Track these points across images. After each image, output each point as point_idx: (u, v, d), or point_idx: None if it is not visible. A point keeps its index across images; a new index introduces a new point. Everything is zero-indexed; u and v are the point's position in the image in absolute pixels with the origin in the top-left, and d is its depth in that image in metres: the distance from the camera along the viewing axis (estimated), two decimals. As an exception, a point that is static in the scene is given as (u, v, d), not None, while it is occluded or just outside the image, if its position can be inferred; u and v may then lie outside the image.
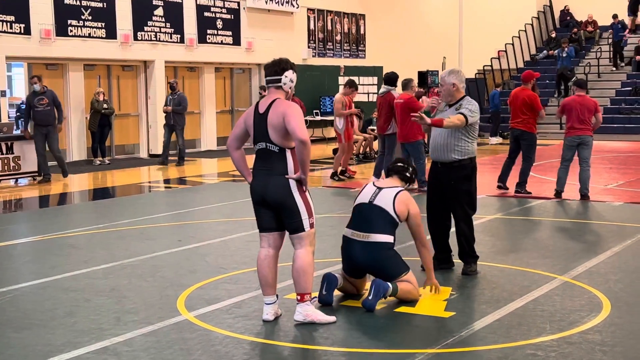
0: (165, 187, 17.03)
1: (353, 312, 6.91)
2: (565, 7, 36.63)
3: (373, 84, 29.36)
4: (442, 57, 29.56)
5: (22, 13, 19.55)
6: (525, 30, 34.54)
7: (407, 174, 7.65)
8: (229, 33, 25.17)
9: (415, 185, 13.44)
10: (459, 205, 8.29)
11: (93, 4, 21.06)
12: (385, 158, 15.28)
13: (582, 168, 13.33)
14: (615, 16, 32.75)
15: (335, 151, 18.83)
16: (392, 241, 7.20)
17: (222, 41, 24.93)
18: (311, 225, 6.51)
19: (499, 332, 6.34)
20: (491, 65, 31.57)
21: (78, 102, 21.39)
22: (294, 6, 27.07)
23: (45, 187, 16.48)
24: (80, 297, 7.59)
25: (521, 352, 5.85)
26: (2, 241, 10.57)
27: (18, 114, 24.89)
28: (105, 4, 21.39)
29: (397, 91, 15.44)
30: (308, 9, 28.18)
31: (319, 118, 27.07)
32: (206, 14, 24.38)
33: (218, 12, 24.78)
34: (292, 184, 6.45)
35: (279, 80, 6.57)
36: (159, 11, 22.86)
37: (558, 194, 13.49)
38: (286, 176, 6.45)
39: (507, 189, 14.08)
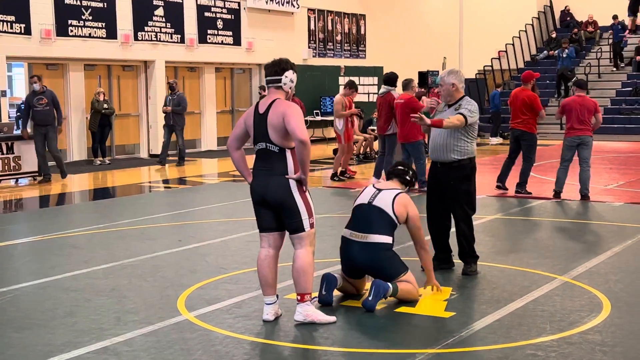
0: (166, 187, 17.04)
1: (353, 312, 6.92)
2: (565, 7, 36.64)
3: (373, 84, 29.36)
4: (443, 57, 29.57)
5: (23, 13, 19.56)
6: (526, 31, 34.55)
7: (407, 177, 7.67)
8: (230, 33, 25.18)
9: (416, 186, 13.43)
10: (459, 205, 8.30)
11: (93, 4, 21.07)
12: (385, 158, 15.29)
13: (582, 168, 13.33)
14: (615, 17, 32.76)
15: (335, 152, 18.83)
16: (391, 242, 7.20)
17: (222, 41, 24.93)
18: (311, 226, 6.52)
19: (499, 332, 6.35)
20: (491, 66, 31.57)
21: (78, 102, 21.40)
22: (294, 6, 27.08)
23: (46, 187, 16.49)
24: (80, 297, 7.59)
25: (521, 353, 5.85)
26: (3, 241, 10.57)
27: (18, 114, 24.88)
28: (105, 4, 21.40)
29: (397, 91, 15.44)
30: (308, 9, 28.19)
31: (319, 118, 27.07)
32: (206, 14, 24.39)
33: (218, 12, 24.79)
34: (292, 184, 6.46)
35: (279, 81, 6.57)
36: (160, 11, 22.87)
37: (557, 194, 13.49)
38: (286, 176, 6.45)
39: (507, 189, 14.08)
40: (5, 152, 16.79)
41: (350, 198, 13.62)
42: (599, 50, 32.30)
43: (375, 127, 18.97)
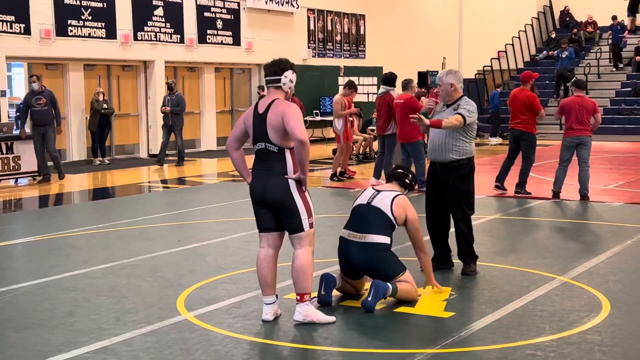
0: (165, 187, 17.04)
1: (352, 312, 6.92)
2: (565, 7, 36.63)
3: (373, 84, 29.35)
4: (442, 57, 29.57)
5: (22, 13, 19.55)
6: (525, 31, 34.54)
7: (407, 181, 7.69)
8: (229, 33, 25.17)
9: (415, 188, 13.44)
10: (458, 205, 8.30)
11: (93, 4, 21.07)
12: (385, 158, 15.30)
13: (581, 168, 13.34)
14: (614, 17, 32.74)
15: (334, 152, 18.84)
16: (389, 242, 7.20)
17: (222, 41, 24.93)
18: (310, 225, 6.52)
19: (499, 332, 6.35)
20: (491, 66, 31.56)
21: (78, 102, 21.39)
22: (294, 6, 27.08)
23: (45, 187, 16.48)
24: (79, 297, 7.59)
25: (520, 353, 5.85)
26: (2, 241, 10.57)
27: (18, 114, 24.88)
28: (105, 4, 21.39)
29: (397, 91, 15.45)
30: (308, 9, 28.19)
31: (318, 118, 27.06)
32: (206, 14, 24.39)
33: (218, 13, 24.79)
34: (292, 184, 6.46)
35: (279, 81, 6.57)
36: (159, 11, 22.87)
37: (555, 194, 13.50)
38: (285, 176, 6.45)
39: (505, 189, 14.08)
40: (4, 152, 16.78)
41: (350, 198, 13.63)
42: (599, 50, 32.28)
43: (374, 127, 18.97)
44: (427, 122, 8.11)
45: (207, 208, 13.38)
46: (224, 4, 24.96)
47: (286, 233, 6.63)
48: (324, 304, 7.00)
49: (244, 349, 6.04)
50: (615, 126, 27.34)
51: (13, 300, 7.53)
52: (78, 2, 20.73)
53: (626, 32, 32.92)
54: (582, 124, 13.25)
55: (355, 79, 22.08)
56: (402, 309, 6.97)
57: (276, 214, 6.57)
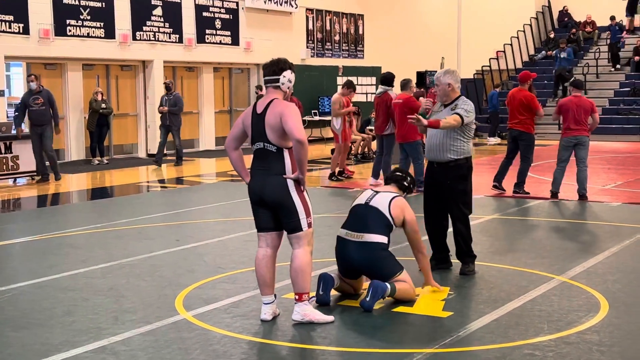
0: (163, 187, 17.04)
1: (350, 312, 6.92)
2: (564, 7, 36.64)
3: (372, 84, 29.36)
4: (441, 57, 29.57)
5: (21, 13, 19.55)
6: (524, 31, 34.54)
7: (405, 183, 7.70)
8: (228, 33, 25.17)
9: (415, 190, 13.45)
10: (455, 205, 8.30)
11: (92, 3, 21.06)
12: (383, 158, 15.31)
13: (579, 168, 13.35)
14: (612, 18, 32.75)
15: (333, 152, 18.84)
16: (387, 242, 7.20)
17: (220, 41, 24.93)
18: (309, 225, 6.52)
19: (497, 332, 6.35)
20: (489, 66, 31.57)
21: (76, 101, 21.39)
22: (292, 6, 27.08)
23: (43, 187, 16.48)
24: (78, 296, 7.59)
25: (519, 352, 5.85)
26: (1, 240, 10.57)
27: (16, 113, 24.88)
28: (104, 3, 21.39)
29: (395, 91, 15.46)
30: (307, 9, 28.19)
31: (317, 118, 27.06)
32: (205, 14, 24.39)
33: (217, 12, 24.79)
34: (290, 184, 6.46)
35: (277, 80, 6.58)
36: (158, 11, 22.87)
37: (554, 194, 13.51)
38: (284, 176, 6.46)
39: (504, 190, 14.07)
40: (3, 151, 16.78)
41: (348, 198, 13.63)
42: (597, 50, 32.29)
43: (373, 127, 18.98)
44: (425, 122, 8.12)
45: (205, 208, 13.38)
46: (222, 4, 24.96)
47: (285, 233, 6.63)
48: (322, 304, 7.01)
49: (243, 348, 6.04)
50: (613, 126, 27.36)
51: (11, 299, 7.53)
52: (77, 2, 20.73)
53: (624, 32, 32.91)
54: (580, 124, 13.26)
55: (354, 79, 22.08)
56: (401, 309, 6.97)
57: (275, 214, 6.57)
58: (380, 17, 30.95)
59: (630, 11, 33.61)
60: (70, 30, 20.62)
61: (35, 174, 17.21)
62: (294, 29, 27.61)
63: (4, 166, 16.81)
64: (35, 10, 19.80)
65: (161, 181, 18.06)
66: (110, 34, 21.60)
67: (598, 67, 31.31)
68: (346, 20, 29.98)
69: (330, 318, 6.59)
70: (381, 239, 7.15)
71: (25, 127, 17.60)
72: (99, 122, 20.53)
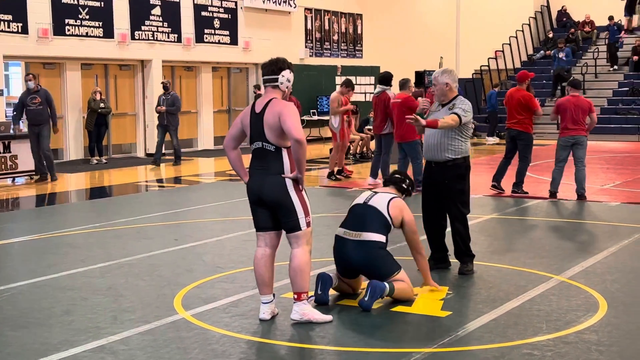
0: (161, 187, 17.03)
1: (349, 312, 6.92)
2: (562, 7, 36.62)
3: (370, 84, 29.36)
4: (439, 57, 29.55)
5: (20, 12, 19.54)
6: (523, 31, 34.51)
7: (404, 186, 7.71)
8: (227, 32, 25.18)
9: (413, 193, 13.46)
10: (454, 205, 8.30)
11: (90, 3, 21.06)
12: (382, 158, 15.32)
13: (577, 168, 13.36)
14: (611, 18, 32.75)
15: (332, 151, 18.84)
16: (384, 241, 7.20)
17: (219, 41, 24.94)
18: (308, 224, 6.52)
19: (495, 331, 6.35)
20: (488, 65, 31.57)
21: (75, 101, 21.38)
22: (291, 6, 27.08)
23: (42, 186, 16.47)
24: (77, 295, 7.59)
25: (517, 352, 5.86)
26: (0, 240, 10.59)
27: (14, 113, 24.87)
28: (102, 3, 21.39)
29: (393, 91, 15.47)
30: (305, 9, 28.19)
31: (315, 118, 27.07)
32: (203, 13, 24.39)
33: (215, 12, 24.79)
34: (289, 183, 6.46)
35: (276, 80, 6.57)
36: (157, 10, 22.87)
37: (552, 194, 13.51)
38: (282, 175, 6.46)
39: (503, 190, 14.07)
40: (2, 151, 16.77)
41: (347, 198, 13.65)
42: (596, 50, 32.29)
43: (371, 127, 18.98)
44: (423, 122, 8.11)
45: (204, 207, 13.38)
46: (221, 4, 24.96)
47: (283, 232, 6.63)
48: (321, 304, 7.01)
49: (241, 347, 6.04)
50: (612, 126, 27.37)
51: (10, 299, 7.53)
52: (75, 2, 20.73)
53: (622, 32, 32.91)
54: (578, 124, 13.27)
55: (352, 79, 22.03)
56: (399, 308, 6.97)
57: (273, 213, 6.57)
58: (379, 17, 30.96)
59: (629, 11, 33.60)
60: (69, 30, 20.61)
61: (33, 173, 17.20)
62: (293, 28, 27.61)
63: (3, 165, 16.80)
64: (34, 10, 19.81)
65: (160, 181, 18.05)
66: (108, 33, 21.60)
67: (597, 67, 31.31)
68: (345, 20, 29.98)
69: (329, 317, 6.59)
70: (379, 237, 7.15)
71: (24, 126, 17.58)
72: (97, 122, 20.51)
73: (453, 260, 8.50)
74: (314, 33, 28.59)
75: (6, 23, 19.27)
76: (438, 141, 8.25)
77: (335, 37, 29.59)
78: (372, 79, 29.40)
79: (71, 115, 21.32)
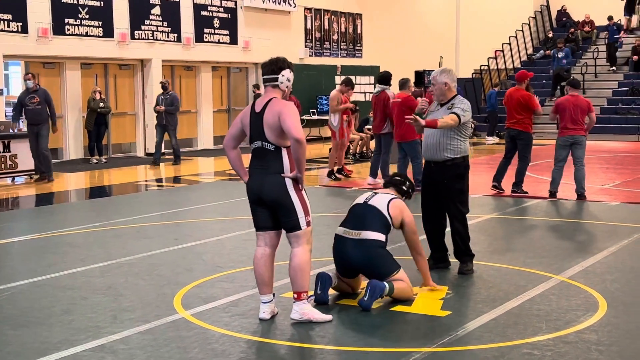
0: (160, 186, 17.03)
1: (349, 311, 6.92)
2: (562, 7, 36.64)
3: (370, 84, 29.36)
4: (439, 56, 29.55)
5: (20, 11, 19.55)
6: (522, 30, 34.54)
7: (404, 188, 7.72)
8: (226, 32, 25.18)
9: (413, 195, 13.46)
10: (453, 204, 8.30)
11: (90, 2, 21.07)
12: (381, 157, 15.32)
13: (576, 167, 13.36)
14: (610, 18, 32.77)
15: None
16: (384, 240, 7.20)
17: (219, 40, 24.94)
18: (308, 224, 6.53)
19: (495, 331, 6.36)
20: (488, 65, 31.58)
21: (75, 100, 21.39)
22: (291, 5, 27.08)
23: (42, 186, 16.46)
24: (77, 295, 7.59)
25: (517, 351, 5.86)
26: (-1, 239, 10.59)
27: (13, 113, 24.87)
28: (102, 2, 21.39)
29: (392, 90, 15.47)
30: (305, 8, 28.19)
31: (315, 117, 27.07)
32: (203, 13, 24.38)
33: (215, 11, 24.79)
34: (288, 183, 6.46)
35: (276, 79, 6.57)
36: (156, 10, 22.87)
37: (552, 194, 13.51)
38: (282, 175, 6.46)
39: (503, 190, 14.07)
40: (1, 150, 16.77)
41: (346, 197, 13.66)
42: (596, 50, 32.31)
43: (371, 127, 18.97)
44: (422, 122, 8.11)
45: (203, 207, 13.38)
46: (221, 3, 24.96)
47: (283, 232, 6.64)
48: (320, 303, 7.01)
49: (241, 347, 6.05)
50: (612, 126, 27.39)
51: (10, 298, 7.53)
52: (75, 1, 20.73)
53: (622, 32, 32.92)
54: (577, 124, 13.28)
55: (352, 78, 22.06)
56: (399, 308, 6.97)
57: (273, 213, 6.57)
58: (379, 17, 30.96)
59: (629, 11, 33.62)
60: (68, 29, 20.62)
61: (33, 172, 17.19)
62: (293, 28, 27.61)
63: (3, 165, 16.79)
64: (34, 9, 19.81)
65: (159, 180, 18.05)
66: (108, 33, 21.60)
67: (596, 66, 31.32)
68: (344, 20, 29.98)
69: (329, 317, 6.59)
70: (379, 236, 7.15)
71: (23, 126, 17.57)
72: (97, 121, 20.51)
73: (453, 259, 8.50)
74: (313, 33, 28.59)
75: (6, 22, 19.27)
76: (437, 141, 8.25)
77: (335, 37, 29.60)
78: (372, 79, 29.38)
79: (71, 114, 21.32)
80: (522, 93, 13.71)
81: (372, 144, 18.53)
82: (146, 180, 18.28)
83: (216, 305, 7.13)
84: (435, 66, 28.05)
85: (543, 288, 7.66)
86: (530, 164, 14.16)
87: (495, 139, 26.83)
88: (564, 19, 36.34)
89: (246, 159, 6.50)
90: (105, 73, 22.55)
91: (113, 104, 22.28)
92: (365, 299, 6.86)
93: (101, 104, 20.53)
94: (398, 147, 14.75)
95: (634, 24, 33.74)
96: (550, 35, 34.29)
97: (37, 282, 8.10)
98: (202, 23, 24.33)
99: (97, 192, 16.27)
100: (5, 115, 20.05)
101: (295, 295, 6.54)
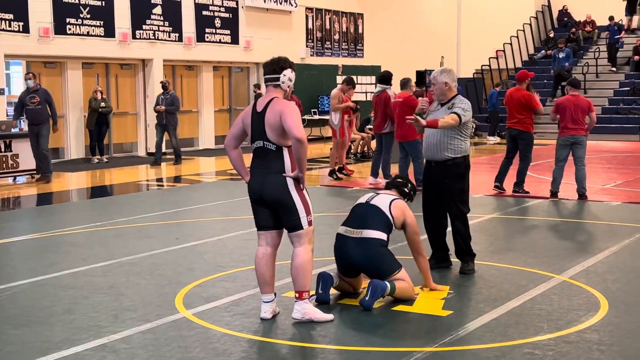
0: (160, 186, 17.03)
1: (350, 311, 6.92)
2: (563, 7, 36.63)
3: (371, 83, 29.35)
4: (440, 56, 29.56)
5: (21, 11, 19.56)
6: (524, 30, 34.54)
7: (406, 190, 7.72)
8: (228, 32, 25.18)
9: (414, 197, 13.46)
10: (454, 204, 8.30)
11: (91, 2, 21.07)
12: (382, 157, 15.32)
13: (577, 167, 13.36)
14: (611, 18, 32.76)
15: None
16: (386, 239, 7.20)
17: (220, 40, 24.94)
18: (309, 223, 6.53)
19: (497, 330, 6.36)
20: (489, 65, 31.58)
21: (76, 100, 21.39)
22: (292, 5, 27.08)
23: (43, 185, 16.46)
24: (78, 294, 7.60)
25: (518, 351, 5.86)
26: (1, 239, 10.58)
27: (14, 112, 24.87)
28: (103, 2, 21.40)
29: (393, 90, 15.47)
30: (306, 8, 28.20)
31: (316, 117, 27.07)
32: (204, 12, 24.39)
33: (216, 11, 24.79)
34: (290, 182, 6.46)
35: (278, 79, 6.57)
36: (158, 10, 22.87)
37: (553, 194, 13.51)
38: (283, 174, 6.46)
39: (504, 190, 14.06)
40: (3, 150, 16.77)
41: (348, 197, 13.67)
42: (597, 50, 32.30)
43: (372, 126, 18.97)
44: (423, 122, 8.11)
45: (205, 206, 13.38)
46: (222, 3, 24.96)
47: (285, 231, 6.64)
48: (322, 303, 7.00)
49: (242, 346, 6.05)
50: (613, 125, 27.38)
51: (12, 297, 7.53)
52: (76, 1, 20.74)
53: (622, 32, 32.91)
54: (577, 123, 13.28)
55: (353, 78, 22.08)
56: (400, 308, 6.97)
57: (274, 212, 6.58)
58: (380, 16, 30.96)
59: (630, 11, 33.61)
60: (70, 29, 20.62)
61: (35, 172, 17.19)
62: (294, 27, 27.62)
63: (4, 164, 16.80)
64: (35, 9, 19.82)
65: (161, 180, 18.06)
66: (110, 32, 21.61)
67: (598, 66, 31.32)
68: (346, 19, 29.99)
69: (330, 316, 6.59)
70: (380, 235, 7.15)
71: (24, 125, 17.57)
72: (98, 121, 20.52)
73: (454, 259, 8.50)
74: (315, 32, 28.59)
75: (7, 22, 19.28)
76: (438, 140, 8.25)
77: (336, 37, 29.60)
78: (373, 79, 29.36)
79: (72, 114, 21.32)
80: (523, 93, 13.71)
81: (373, 144, 18.52)
82: (147, 180, 18.28)
83: (217, 304, 7.14)
84: (437, 66, 28.02)
85: (544, 288, 7.66)
86: (531, 164, 14.16)
87: (497, 139, 26.83)
88: (565, 18, 36.34)
89: (247, 158, 6.50)
90: (107, 73, 22.56)
91: (114, 104, 22.29)
92: (367, 298, 6.86)
93: (102, 104, 20.54)
94: (399, 147, 14.75)
95: (635, 24, 33.73)
96: (552, 35, 34.28)
97: (39, 282, 8.11)
98: (203, 23, 24.33)
99: (99, 191, 16.27)
100: (7, 115, 20.05)
101: (297, 295, 6.54)
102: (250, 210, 6.71)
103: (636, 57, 30.71)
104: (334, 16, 29.44)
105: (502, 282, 7.97)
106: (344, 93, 16.58)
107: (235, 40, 25.43)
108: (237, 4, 25.49)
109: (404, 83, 14.95)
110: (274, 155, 6.49)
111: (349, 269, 7.27)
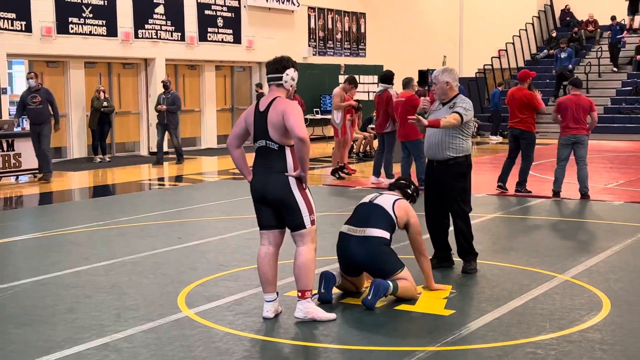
0: (162, 185, 17.04)
1: (353, 310, 6.92)
2: (566, 6, 36.65)
3: (373, 83, 29.34)
4: (443, 55, 29.58)
5: (23, 10, 19.56)
6: (526, 30, 34.55)
7: (409, 191, 7.73)
8: (230, 31, 25.18)
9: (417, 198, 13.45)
10: (455, 203, 8.30)
11: (94, 1, 21.08)
12: (384, 156, 15.32)
13: (579, 167, 13.36)
14: (613, 18, 32.75)
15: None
16: (389, 238, 7.20)
17: (222, 39, 24.94)
18: (312, 222, 6.53)
19: (499, 330, 6.35)
20: (492, 65, 31.58)
21: (79, 99, 21.41)
22: (294, 4, 27.08)
23: (46, 185, 16.47)
24: (81, 293, 7.60)
25: (521, 351, 5.86)
26: (3, 238, 10.58)
27: (16, 111, 24.89)
28: (106, 1, 21.40)
29: (395, 89, 15.47)
30: (309, 8, 28.19)
31: (319, 116, 27.07)
32: (207, 12, 24.39)
33: (219, 10, 24.79)
34: (292, 182, 6.47)
35: (280, 78, 6.58)
36: (160, 9, 22.88)
37: (556, 194, 13.51)
38: (286, 174, 6.46)
39: (507, 190, 14.06)
40: (5, 149, 16.78)
41: (350, 196, 13.67)
42: (599, 49, 32.29)
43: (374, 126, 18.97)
44: (425, 122, 8.11)
45: (207, 205, 13.39)
46: (224, 2, 24.96)
47: (288, 231, 6.64)
48: (324, 302, 7.00)
49: (245, 346, 6.05)
50: (615, 125, 27.38)
51: (14, 296, 7.54)
52: (79, 0, 20.74)
53: (625, 31, 32.90)
54: (579, 123, 13.28)
55: (355, 77, 22.08)
56: (403, 307, 6.97)
57: (277, 212, 6.58)
58: (382, 16, 30.96)
59: (632, 11, 33.61)
60: (72, 28, 20.63)
61: (37, 171, 17.20)
62: (296, 27, 27.61)
63: (7, 164, 16.81)
64: (38, 8, 19.83)
65: (163, 179, 18.06)
66: (112, 32, 21.62)
67: (600, 66, 31.31)
68: (348, 19, 29.98)
69: (333, 316, 6.60)
70: (383, 234, 7.15)
71: (26, 124, 17.58)
72: (100, 120, 20.54)
73: (456, 258, 8.50)
74: (317, 32, 28.59)
75: (10, 21, 19.29)
76: (439, 140, 8.25)
77: (339, 36, 29.59)
78: (375, 78, 29.34)
79: (74, 113, 21.34)
80: (525, 92, 13.70)
81: (375, 143, 18.52)
82: (150, 179, 18.29)
83: (220, 303, 7.14)
84: (439, 65, 27.96)
85: (547, 287, 7.66)
86: (533, 164, 14.16)
87: (499, 138, 26.83)
88: (568, 18, 36.35)
89: (250, 157, 6.51)
90: (109, 72, 22.57)
91: (117, 103, 22.29)
92: (369, 297, 6.86)
93: (105, 103, 20.55)
94: (402, 147, 14.76)
95: (637, 23, 33.72)
96: (554, 34, 34.28)
97: (41, 281, 8.11)
98: (205, 22, 24.33)
99: (101, 190, 16.28)
100: (9, 114, 20.06)
101: (299, 294, 6.55)
102: (253, 209, 6.71)
103: (638, 57, 30.72)
104: (337, 15, 29.44)
105: (504, 281, 7.97)
106: (346, 92, 16.57)
107: (237, 39, 25.43)
108: (239, 3, 25.49)
109: (406, 82, 14.96)
110: (276, 154, 6.49)
111: (352, 268, 7.27)
